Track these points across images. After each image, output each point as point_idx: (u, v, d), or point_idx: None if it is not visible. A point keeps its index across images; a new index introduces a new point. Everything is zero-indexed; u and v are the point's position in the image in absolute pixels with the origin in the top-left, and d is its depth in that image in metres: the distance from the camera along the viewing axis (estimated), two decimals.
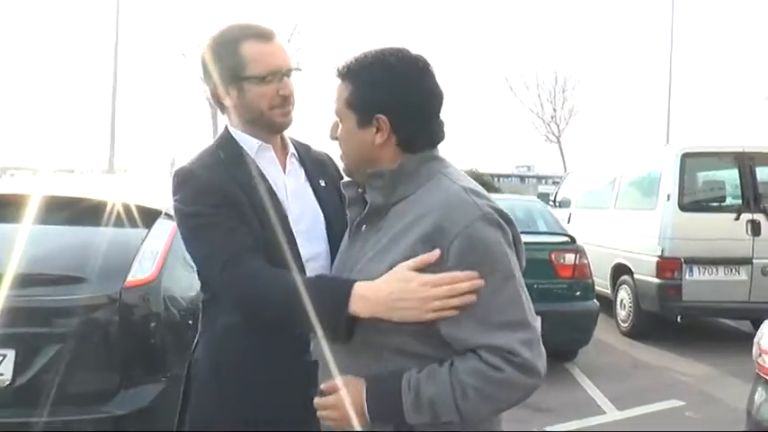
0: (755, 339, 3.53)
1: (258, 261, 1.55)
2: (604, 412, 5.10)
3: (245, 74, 1.66)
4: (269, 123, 1.72)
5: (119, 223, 3.30)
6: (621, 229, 8.10)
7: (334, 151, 1.64)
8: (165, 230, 3.38)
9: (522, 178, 74.58)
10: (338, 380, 1.45)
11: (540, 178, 75.41)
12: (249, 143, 1.74)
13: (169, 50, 38.93)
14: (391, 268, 1.38)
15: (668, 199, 7.19)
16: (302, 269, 1.64)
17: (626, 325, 7.71)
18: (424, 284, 1.31)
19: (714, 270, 7.03)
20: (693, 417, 5.01)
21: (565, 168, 31.67)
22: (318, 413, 1.48)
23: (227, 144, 1.76)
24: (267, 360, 1.66)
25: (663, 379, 6.07)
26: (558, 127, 36.52)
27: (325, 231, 1.76)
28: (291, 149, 1.82)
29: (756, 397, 3.41)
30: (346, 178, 1.59)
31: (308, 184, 1.81)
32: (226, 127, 1.80)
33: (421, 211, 1.40)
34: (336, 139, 1.54)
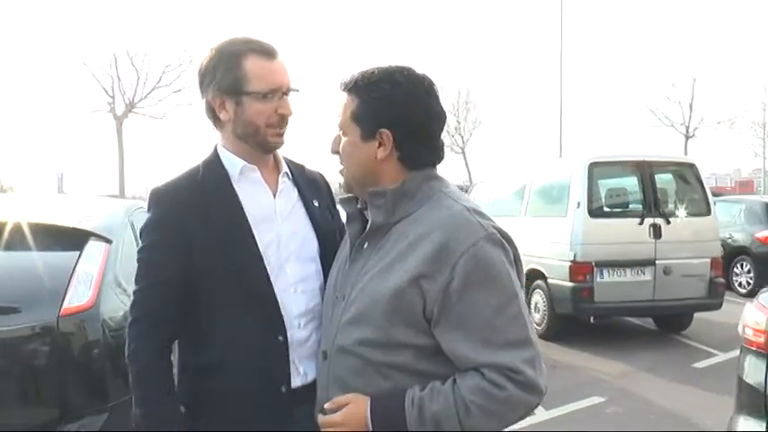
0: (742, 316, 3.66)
1: (145, 340, 1.65)
2: (533, 413, 5.25)
3: (245, 89, 1.64)
4: (261, 141, 1.69)
5: (47, 246, 3.15)
6: (533, 235, 8.38)
7: (327, 170, 1.64)
8: (98, 252, 3.24)
9: None
10: (342, 398, 1.45)
11: None
12: (233, 164, 1.71)
13: (65, 59, 36.94)
14: (395, 287, 1.39)
15: (578, 206, 7.52)
16: (273, 299, 1.64)
17: (540, 328, 7.97)
18: None
19: (622, 272, 7.41)
20: (617, 412, 5.25)
21: (470, 178, 32.42)
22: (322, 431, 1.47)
23: (210, 165, 1.73)
24: (241, 396, 1.64)
25: (581, 378, 6.32)
26: (463, 138, 37.25)
27: (317, 252, 1.74)
28: (285, 169, 1.78)
29: (746, 365, 3.63)
30: (345, 194, 1.60)
31: (301, 204, 1.78)
32: (215, 146, 1.76)
33: (424, 230, 1.43)
34: (337, 152, 1.54)
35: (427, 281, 1.38)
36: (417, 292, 1.39)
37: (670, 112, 33.19)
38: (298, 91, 1.71)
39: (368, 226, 1.50)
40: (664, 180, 8.12)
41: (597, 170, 7.75)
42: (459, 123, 37.19)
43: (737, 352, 7.20)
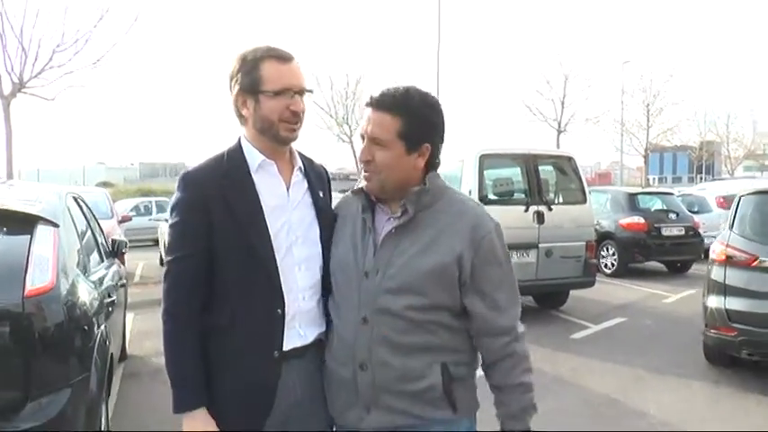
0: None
1: (178, 302, 1.88)
2: None
3: (261, 88, 1.87)
4: (276, 135, 1.91)
5: None
6: None
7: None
8: (49, 236, 3.29)
9: None
10: None
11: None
12: (254, 157, 1.94)
13: None
14: (436, 264, 1.77)
15: (470, 194, 8.09)
16: (276, 276, 1.88)
17: None
18: None
19: (511, 255, 8.04)
20: None
21: (357, 167, 32.62)
22: None
23: (233, 155, 1.95)
24: (241, 355, 1.89)
25: None
26: (350, 128, 37.07)
27: (319, 236, 1.98)
28: (299, 164, 2.02)
29: (711, 269, 5.87)
30: (359, 186, 1.90)
31: (309, 195, 2.01)
32: (239, 138, 1.98)
33: (451, 219, 1.83)
34: (369, 161, 1.82)
35: (463, 258, 1.78)
36: (457, 265, 1.79)
37: (544, 108, 35.24)
38: (311, 92, 1.97)
39: (400, 216, 1.82)
40: (546, 171, 8.85)
41: (487, 161, 8.34)
42: (348, 113, 37.23)
43: (608, 323, 8.16)
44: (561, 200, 8.68)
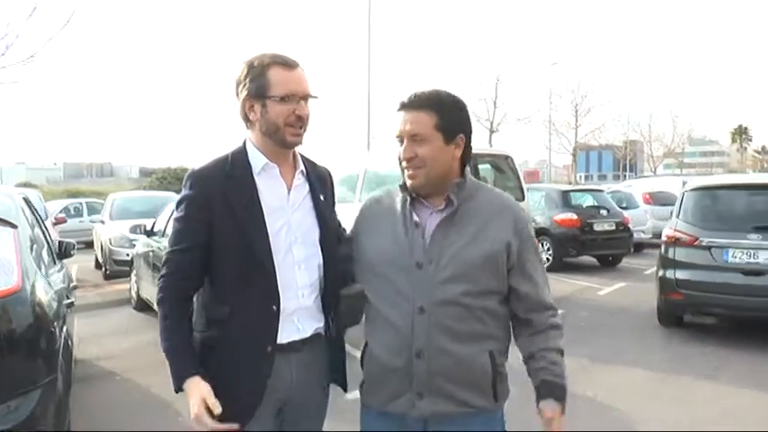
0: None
1: (173, 288, 1.99)
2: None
3: (268, 93, 1.95)
4: (281, 139, 1.98)
5: None
6: None
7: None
8: (9, 238, 3.29)
9: None
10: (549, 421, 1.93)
11: None
12: (257, 160, 2.02)
13: None
14: (489, 252, 1.91)
15: None
16: (273, 275, 1.96)
17: None
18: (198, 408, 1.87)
19: None
20: None
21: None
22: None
23: (238, 156, 2.04)
24: (237, 348, 1.98)
25: None
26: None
27: (318, 238, 2.07)
28: (301, 167, 2.10)
29: (662, 248, 7.50)
30: (410, 186, 1.98)
31: (309, 197, 2.10)
32: (244, 141, 2.06)
33: (495, 210, 1.97)
34: (412, 157, 1.92)
35: (511, 245, 1.93)
36: (506, 252, 1.94)
37: (477, 108, 35.84)
38: (317, 97, 2.04)
39: (444, 208, 1.95)
40: (485, 170, 9.11)
41: None
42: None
43: None
44: None
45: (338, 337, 2.15)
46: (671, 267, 7.28)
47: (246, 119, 2.03)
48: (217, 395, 1.88)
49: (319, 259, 2.07)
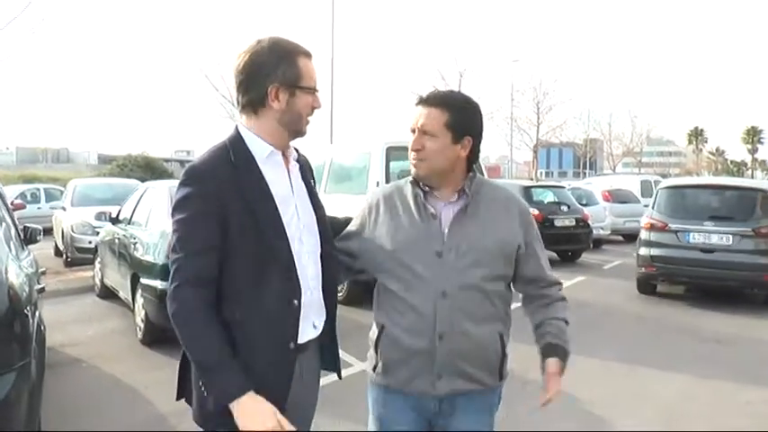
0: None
1: (195, 298, 1.76)
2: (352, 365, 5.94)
3: (300, 83, 1.89)
4: (299, 129, 1.95)
5: None
6: (332, 211, 9.13)
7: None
8: None
9: (182, 163, 73.98)
10: (549, 382, 2.18)
11: None
12: (261, 148, 1.90)
13: None
14: (502, 241, 2.09)
15: (377, 185, 8.37)
16: (293, 267, 1.87)
17: (341, 294, 8.74)
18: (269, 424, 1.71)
19: None
20: None
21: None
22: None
23: (237, 146, 1.90)
24: (257, 349, 1.83)
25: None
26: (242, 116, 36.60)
27: (316, 227, 2.01)
28: (295, 155, 2.02)
29: (641, 233, 9.74)
30: (412, 176, 2.12)
31: (304, 184, 2.03)
32: (237, 128, 1.94)
33: (502, 202, 2.16)
34: (419, 149, 2.05)
35: (520, 234, 2.14)
36: (518, 240, 2.13)
37: None
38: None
39: (457, 200, 2.10)
40: None
41: (393, 153, 8.64)
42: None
43: None
44: None
45: (333, 327, 2.09)
46: (647, 246, 9.61)
47: (261, 105, 1.90)
48: None
49: (319, 248, 2.01)
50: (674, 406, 5.09)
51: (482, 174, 8.75)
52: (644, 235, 9.79)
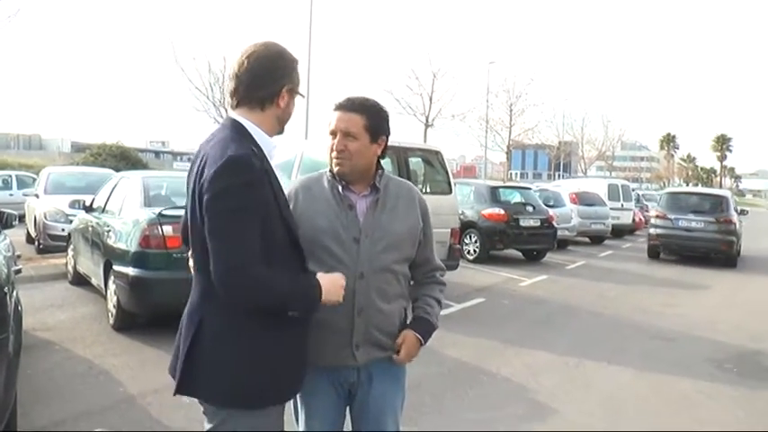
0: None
1: (266, 272, 1.92)
2: None
3: (297, 89, 2.17)
4: (283, 128, 2.19)
5: None
6: None
7: None
8: None
9: (156, 153, 73.51)
10: (400, 339, 2.37)
11: (175, 154, 74.98)
12: (266, 142, 2.09)
13: None
14: (409, 228, 2.37)
15: None
16: (303, 254, 2.13)
17: None
18: (340, 281, 2.12)
19: None
20: None
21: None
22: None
23: (248, 138, 2.04)
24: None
25: None
26: (227, 110, 36.28)
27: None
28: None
29: (652, 222, 16.93)
30: (336, 172, 2.34)
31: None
32: (238, 121, 2.08)
33: (406, 193, 2.42)
34: (343, 150, 2.29)
35: (421, 221, 2.41)
36: (421, 225, 2.41)
37: (413, 102, 36.24)
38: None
39: (370, 193, 2.34)
40: (415, 163, 9.57)
41: None
42: (224, 96, 36.40)
43: (470, 303, 8.96)
44: (429, 190, 9.40)
45: None
46: (654, 228, 16.06)
47: (270, 103, 2.10)
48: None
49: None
50: (615, 395, 5.45)
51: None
52: (652, 221, 16.26)
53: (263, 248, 1.91)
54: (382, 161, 2.41)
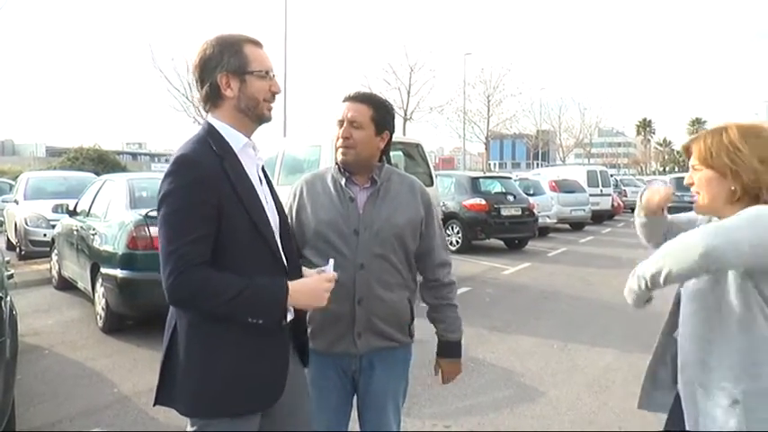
0: None
1: (210, 273, 1.82)
2: None
3: (249, 69, 1.97)
4: (260, 114, 2.01)
5: None
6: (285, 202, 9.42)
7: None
8: None
9: (134, 155, 72.96)
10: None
11: (153, 156, 74.51)
12: (236, 138, 1.98)
13: None
14: (409, 220, 2.42)
15: None
16: (279, 254, 2.01)
17: None
18: (324, 285, 2.00)
19: None
20: None
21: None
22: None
23: (214, 136, 1.96)
24: (256, 327, 1.90)
25: None
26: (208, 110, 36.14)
27: (278, 215, 2.12)
28: (254, 142, 2.08)
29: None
30: (339, 162, 2.42)
31: (263, 176, 2.12)
32: (208, 123, 2.01)
33: (407, 188, 2.48)
34: (348, 137, 2.36)
35: (422, 214, 2.46)
36: (421, 218, 2.46)
37: (390, 96, 36.34)
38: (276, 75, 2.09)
39: (370, 186, 2.42)
40: (396, 156, 9.60)
41: None
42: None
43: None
44: None
45: (304, 319, 2.21)
46: None
47: (218, 96, 1.99)
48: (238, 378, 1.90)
49: (278, 228, 2.11)
50: (601, 376, 5.59)
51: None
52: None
53: (218, 248, 1.86)
54: (393, 155, 2.49)
